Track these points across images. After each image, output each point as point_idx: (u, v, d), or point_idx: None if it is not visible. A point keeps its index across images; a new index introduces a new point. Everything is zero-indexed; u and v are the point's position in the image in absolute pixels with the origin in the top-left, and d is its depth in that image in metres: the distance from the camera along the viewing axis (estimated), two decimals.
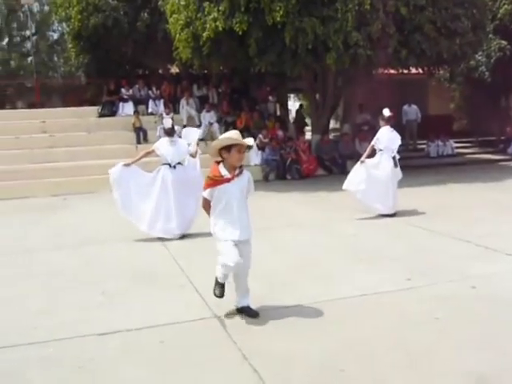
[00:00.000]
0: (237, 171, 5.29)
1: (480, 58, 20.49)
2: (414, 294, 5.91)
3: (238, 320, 5.30)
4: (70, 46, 22.88)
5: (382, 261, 7.21)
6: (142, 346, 4.88)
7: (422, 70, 18.79)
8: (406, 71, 18.70)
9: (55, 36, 37.79)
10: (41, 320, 5.56)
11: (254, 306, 5.56)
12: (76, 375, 4.38)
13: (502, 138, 22.60)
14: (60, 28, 35.39)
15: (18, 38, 38.11)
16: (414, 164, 17.13)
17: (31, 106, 22.77)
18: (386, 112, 10.15)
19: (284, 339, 4.85)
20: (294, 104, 45.82)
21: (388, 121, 10.14)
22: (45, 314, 5.73)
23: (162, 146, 8.99)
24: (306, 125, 24.21)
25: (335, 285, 6.33)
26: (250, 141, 5.30)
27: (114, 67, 20.51)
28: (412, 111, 21.83)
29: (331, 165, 17.25)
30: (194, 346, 4.83)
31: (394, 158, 10.03)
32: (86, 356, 4.68)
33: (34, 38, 36.72)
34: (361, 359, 4.43)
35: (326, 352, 4.58)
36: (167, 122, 9.28)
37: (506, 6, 19.61)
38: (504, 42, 20.03)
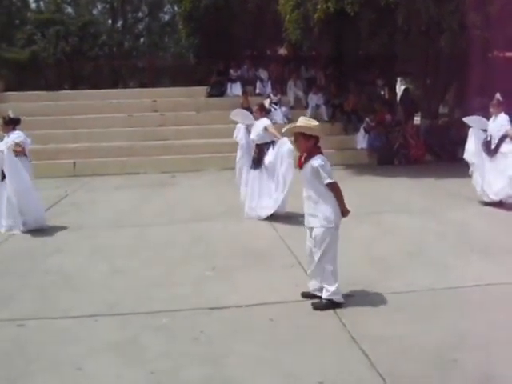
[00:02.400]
0: (302, 159, 5.31)
1: None
2: None
3: (348, 303, 5.28)
4: (180, 27, 23.36)
5: (496, 251, 6.93)
6: (251, 322, 4.98)
7: None
8: None
9: (166, 18, 38.79)
10: (155, 291, 5.80)
11: (364, 290, 5.58)
12: (190, 346, 4.53)
13: None
14: (171, 10, 36.29)
15: (132, 20, 39.41)
16: None
17: (143, 85, 23.46)
18: (498, 97, 9.74)
19: (394, 325, 4.80)
20: (399, 87, 44.80)
21: (498, 106, 9.76)
22: (159, 286, 5.96)
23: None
24: (417, 109, 23.48)
25: (447, 273, 6.17)
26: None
27: (224, 48, 20.73)
28: None
29: (440, 151, 16.72)
30: (302, 325, 4.87)
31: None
32: (198, 328, 4.84)
33: (147, 19, 37.87)
34: (475, 351, 4.31)
35: (437, 340, 4.49)
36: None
37: None
38: None
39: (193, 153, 15.58)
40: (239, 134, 9.31)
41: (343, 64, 19.46)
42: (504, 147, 9.66)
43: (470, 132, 9.90)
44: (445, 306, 5.22)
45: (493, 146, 9.72)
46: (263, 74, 19.33)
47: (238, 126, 9.37)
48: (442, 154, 16.61)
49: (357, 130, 16.57)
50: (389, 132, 16.38)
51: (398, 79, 36.91)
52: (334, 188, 5.18)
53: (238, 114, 9.68)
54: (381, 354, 4.27)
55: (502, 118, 9.73)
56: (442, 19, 13.28)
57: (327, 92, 18.19)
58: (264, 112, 9.36)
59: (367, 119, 16.44)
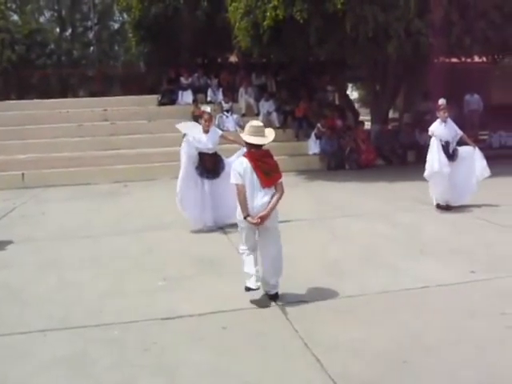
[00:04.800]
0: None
1: None
2: (478, 288, 5.79)
3: (300, 308, 5.30)
4: (130, 35, 23.23)
5: (444, 252, 7.08)
6: (204, 331, 4.94)
7: (486, 58, 18.27)
8: (469, 59, 18.21)
9: (116, 26, 38.53)
10: (106, 303, 5.71)
11: (317, 295, 5.60)
12: (141, 358, 4.47)
13: None
14: (121, 18, 36.02)
15: (81, 29, 38.96)
16: None
17: (93, 94, 23.21)
18: (442, 102, 9.91)
19: (347, 329, 4.84)
20: (351, 93, 45.44)
21: (447, 111, 9.84)
22: (110, 298, 5.87)
23: None
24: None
25: (397, 275, 6.25)
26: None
27: (174, 56, 20.68)
28: (474, 101, 21.22)
29: (390, 155, 17.01)
30: (255, 333, 4.85)
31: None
32: (150, 339, 4.77)
33: (96, 27, 37.45)
34: (425, 351, 4.38)
35: (389, 343, 4.54)
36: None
37: None
38: None
39: (145, 162, 15.47)
40: (187, 145, 8.98)
41: (294, 70, 19.64)
42: (462, 151, 9.85)
43: (432, 142, 9.72)
44: (396, 308, 5.29)
45: (450, 151, 9.75)
46: (214, 81, 19.32)
47: (187, 137, 8.98)
48: (392, 158, 16.91)
49: (308, 136, 16.73)
50: (340, 137, 16.59)
51: (349, 85, 37.56)
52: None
53: (187, 126, 9.51)
54: (333, 358, 4.30)
55: (451, 122, 9.89)
56: (388, 26, 13.54)
57: (278, 99, 18.31)
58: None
59: (318, 125, 16.61)
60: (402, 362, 4.21)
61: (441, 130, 9.77)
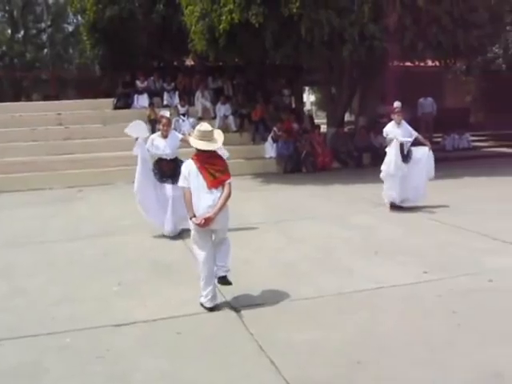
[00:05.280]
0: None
1: (497, 50, 20.29)
2: (430, 288, 5.88)
3: (255, 312, 5.30)
4: (85, 38, 22.90)
5: (399, 254, 7.17)
6: (159, 336, 4.90)
7: (439, 62, 18.64)
8: (422, 64, 18.56)
9: (70, 28, 37.91)
10: (59, 310, 5.61)
11: (273, 298, 5.61)
12: (94, 365, 4.40)
13: None
14: (75, 20, 35.49)
15: (34, 31, 38.26)
16: None
17: (46, 98, 22.83)
18: (397, 105, 10.05)
19: (302, 331, 4.85)
20: (308, 97, 45.78)
21: (401, 114, 9.97)
22: (62, 304, 5.77)
23: None
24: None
25: (352, 277, 6.31)
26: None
27: (130, 59, 20.50)
28: (428, 104, 21.60)
29: (346, 158, 17.18)
30: (210, 337, 4.84)
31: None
32: (103, 346, 4.71)
33: (50, 30, 36.86)
34: (378, 351, 4.43)
35: (343, 344, 4.58)
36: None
37: None
38: None
39: (100, 166, 15.30)
40: (139, 147, 8.70)
41: (250, 74, 19.68)
42: (417, 153, 9.98)
43: (392, 144, 9.80)
44: (351, 310, 5.34)
45: (405, 152, 9.89)
46: (170, 85, 19.23)
47: (139, 141, 8.68)
48: (348, 161, 17.08)
49: (265, 140, 16.78)
50: (296, 140, 16.68)
51: (306, 88, 37.85)
52: None
53: (133, 128, 8.91)
54: (288, 361, 4.31)
55: (406, 124, 10.02)
56: (343, 30, 13.71)
57: (235, 102, 18.33)
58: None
59: (275, 128, 16.67)
60: (357, 362, 4.25)
61: (395, 131, 9.87)
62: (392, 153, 9.80)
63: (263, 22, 13.69)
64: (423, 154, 9.99)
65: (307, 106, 31.30)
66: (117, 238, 8.74)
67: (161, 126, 8.76)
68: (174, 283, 6.35)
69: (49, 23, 35.99)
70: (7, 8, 36.85)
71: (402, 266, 6.66)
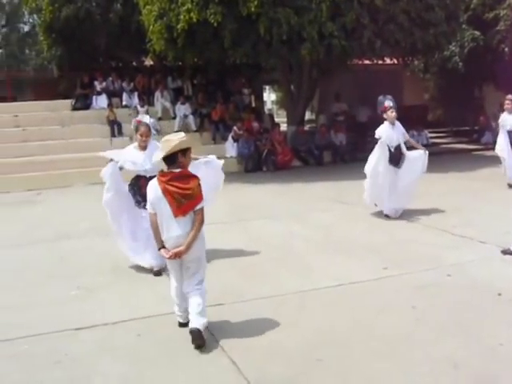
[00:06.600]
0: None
1: (454, 48, 20.62)
2: (390, 283, 5.95)
3: (216, 312, 5.25)
4: (41, 38, 22.50)
5: (358, 251, 7.24)
6: (118, 339, 4.83)
7: (397, 60, 18.89)
8: (380, 62, 18.75)
9: (26, 28, 37.23)
10: (13, 317, 5.46)
11: (233, 299, 5.58)
12: (52, 371, 4.31)
13: (476, 127, 22.83)
14: (31, 20, 34.88)
15: None
16: None
17: (2, 99, 22.36)
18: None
19: (263, 331, 4.83)
20: (269, 96, 45.88)
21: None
22: (17, 311, 5.63)
23: None
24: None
25: (312, 275, 6.33)
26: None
27: (87, 60, 20.26)
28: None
29: (307, 156, 17.26)
30: (171, 339, 4.79)
31: None
32: (61, 351, 4.61)
33: (4, 30, 36.16)
34: (339, 348, 4.45)
35: (303, 342, 4.58)
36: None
37: None
38: (477, 33, 20.18)
39: (59, 168, 15.09)
40: (111, 168, 6.85)
41: (210, 73, 19.64)
42: (411, 158, 9.31)
43: (378, 147, 9.16)
44: (311, 307, 5.35)
45: (399, 156, 9.18)
46: (129, 85, 19.05)
47: (113, 163, 6.87)
48: (308, 159, 17.16)
49: (225, 139, 16.78)
50: (257, 139, 16.70)
51: (266, 87, 37.92)
52: None
53: (112, 153, 7.14)
54: (249, 361, 4.29)
55: (400, 125, 9.48)
56: (302, 29, 13.75)
57: (194, 102, 18.27)
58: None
59: (235, 127, 16.68)
60: (316, 360, 4.26)
61: (389, 133, 9.19)
62: (375, 156, 9.15)
63: (222, 21, 13.68)
64: (417, 159, 9.30)
65: (268, 105, 31.39)
66: (75, 241, 8.59)
67: (138, 136, 6.88)
68: (133, 285, 6.29)
69: (3, 23, 35.30)
70: None
71: (362, 262, 6.72)
